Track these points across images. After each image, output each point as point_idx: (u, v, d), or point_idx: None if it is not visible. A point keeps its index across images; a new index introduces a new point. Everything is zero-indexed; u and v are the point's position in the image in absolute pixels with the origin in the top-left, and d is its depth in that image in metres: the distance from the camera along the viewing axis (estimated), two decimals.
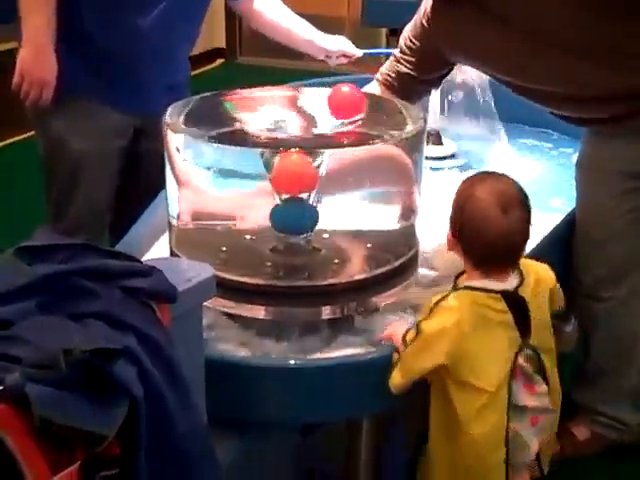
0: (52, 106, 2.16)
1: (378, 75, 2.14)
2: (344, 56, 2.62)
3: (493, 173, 1.69)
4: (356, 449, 1.83)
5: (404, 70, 2.08)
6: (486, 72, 2.12)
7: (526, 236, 1.61)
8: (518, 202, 1.58)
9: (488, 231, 1.57)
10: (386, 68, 2.14)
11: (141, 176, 2.37)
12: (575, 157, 2.13)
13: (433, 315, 1.57)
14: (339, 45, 2.61)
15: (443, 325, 1.55)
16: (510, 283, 1.61)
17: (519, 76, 1.95)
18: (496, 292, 1.58)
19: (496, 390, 1.58)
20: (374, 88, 2.13)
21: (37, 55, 2.12)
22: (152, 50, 2.23)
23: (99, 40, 2.18)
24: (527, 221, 1.59)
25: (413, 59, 2.07)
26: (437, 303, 1.58)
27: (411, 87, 2.09)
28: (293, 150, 1.62)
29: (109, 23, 2.18)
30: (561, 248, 2.09)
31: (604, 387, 2.19)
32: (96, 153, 2.24)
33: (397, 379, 1.59)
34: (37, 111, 2.20)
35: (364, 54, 2.63)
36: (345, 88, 1.82)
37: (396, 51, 2.13)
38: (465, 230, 1.60)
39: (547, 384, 1.64)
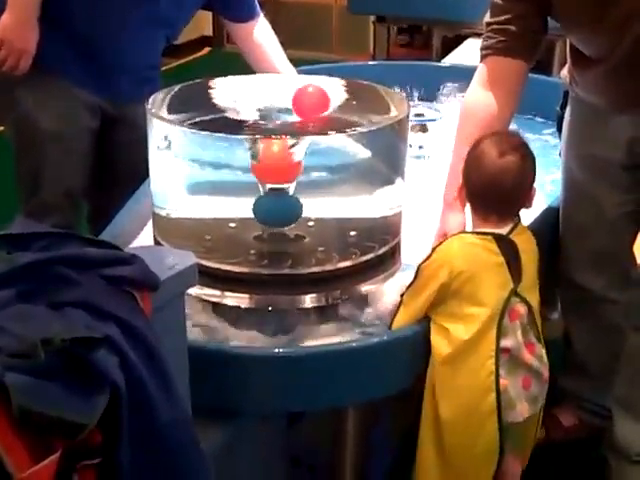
0: (22, 78, 2.14)
1: (483, 52, 1.88)
2: None
3: (508, 131, 1.81)
4: (342, 437, 1.83)
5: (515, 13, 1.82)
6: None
7: (519, 180, 1.68)
8: (515, 148, 1.69)
9: (482, 170, 1.68)
10: (491, 39, 1.85)
11: (118, 165, 2.37)
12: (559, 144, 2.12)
13: (431, 257, 1.66)
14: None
15: (438, 262, 1.64)
16: (504, 229, 1.68)
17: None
18: (486, 234, 1.66)
19: (485, 325, 1.61)
20: (479, 74, 1.88)
21: (21, 24, 2.10)
22: (127, 45, 2.23)
23: (81, 21, 2.18)
24: (522, 167, 1.68)
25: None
26: (435, 248, 1.68)
27: (530, 29, 1.84)
28: (275, 137, 1.61)
29: (95, 7, 2.17)
30: (545, 237, 2.09)
31: (590, 376, 2.19)
32: (63, 131, 2.22)
33: (399, 321, 1.67)
34: (5, 84, 2.18)
35: None
36: (310, 89, 1.78)
37: (490, 22, 1.86)
38: (466, 174, 1.72)
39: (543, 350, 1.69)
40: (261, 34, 2.47)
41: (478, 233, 1.68)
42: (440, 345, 1.63)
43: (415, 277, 1.67)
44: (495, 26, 1.84)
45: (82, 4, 2.17)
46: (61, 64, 2.20)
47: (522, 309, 1.66)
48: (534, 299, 1.71)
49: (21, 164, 2.30)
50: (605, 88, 1.88)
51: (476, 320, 1.61)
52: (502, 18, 1.83)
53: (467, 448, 1.67)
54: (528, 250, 1.71)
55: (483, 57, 1.88)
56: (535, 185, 1.73)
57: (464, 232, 1.72)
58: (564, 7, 1.80)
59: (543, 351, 1.70)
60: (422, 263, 1.67)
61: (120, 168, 2.36)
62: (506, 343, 1.63)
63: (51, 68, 2.19)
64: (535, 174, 1.72)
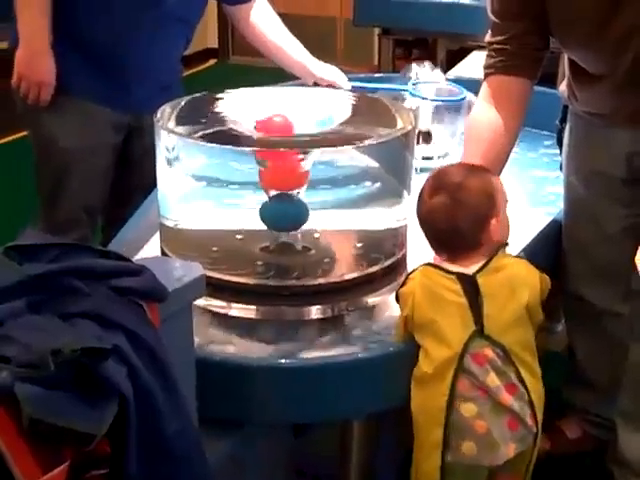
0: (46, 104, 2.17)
1: (485, 71, 1.90)
2: (331, 86, 2.51)
3: (466, 164, 1.76)
4: (347, 450, 1.83)
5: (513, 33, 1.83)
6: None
7: (449, 220, 1.64)
8: (446, 188, 1.65)
9: (419, 213, 1.70)
10: (492, 58, 1.87)
11: (135, 176, 2.38)
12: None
13: (405, 283, 1.66)
14: (330, 75, 2.52)
15: (405, 292, 1.64)
16: (470, 270, 1.64)
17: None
18: (452, 273, 1.62)
19: (444, 363, 1.59)
20: (483, 93, 1.89)
21: (34, 57, 2.14)
22: (146, 50, 2.24)
23: (94, 39, 2.20)
24: (452, 208, 1.64)
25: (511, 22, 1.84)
26: (409, 274, 1.67)
27: (531, 45, 1.85)
28: (282, 149, 1.62)
29: (105, 22, 2.19)
30: (549, 250, 2.10)
31: (594, 388, 2.19)
32: (87, 150, 2.25)
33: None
34: (29, 109, 2.21)
35: (352, 87, 2.53)
36: (277, 118, 1.74)
37: (491, 41, 1.88)
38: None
39: (528, 393, 1.63)
40: (260, 13, 2.49)
41: (443, 269, 1.64)
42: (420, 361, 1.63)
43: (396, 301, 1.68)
44: (496, 45, 1.86)
45: (90, 15, 2.19)
46: (79, 83, 2.23)
47: (490, 353, 1.60)
48: (513, 339, 1.62)
49: (43, 183, 2.33)
50: (605, 104, 1.89)
51: (436, 357, 1.59)
52: (502, 37, 1.85)
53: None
54: (507, 286, 1.64)
55: (486, 76, 1.89)
56: (509, 214, 1.69)
57: (431, 264, 1.67)
58: (562, 26, 1.81)
59: (525, 394, 1.62)
60: (400, 288, 1.67)
61: (136, 178, 2.37)
62: (479, 385, 1.59)
63: (71, 88, 2.21)
64: (488, 209, 1.65)
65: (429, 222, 1.68)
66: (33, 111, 2.22)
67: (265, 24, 2.50)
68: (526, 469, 1.71)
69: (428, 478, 1.65)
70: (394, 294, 1.69)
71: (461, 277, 1.62)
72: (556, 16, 1.80)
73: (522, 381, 1.62)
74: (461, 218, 1.64)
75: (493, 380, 1.60)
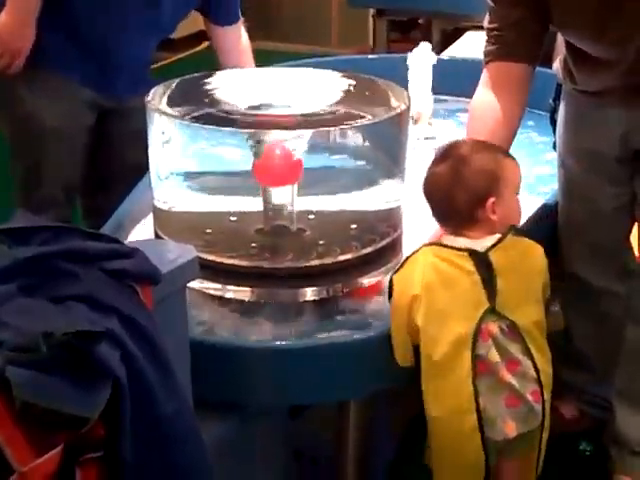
0: (23, 76, 2.14)
1: (485, 58, 1.88)
2: None
3: (482, 141, 1.73)
4: (344, 430, 1.83)
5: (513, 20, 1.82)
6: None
7: (446, 193, 1.63)
8: (451, 158, 1.65)
9: (424, 180, 1.68)
10: (491, 45, 1.86)
11: (115, 161, 2.37)
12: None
13: (402, 268, 1.61)
14: None
15: (407, 275, 1.59)
16: (480, 244, 1.61)
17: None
18: (462, 250, 1.60)
19: (455, 348, 1.57)
20: (484, 80, 1.87)
21: (18, 25, 2.10)
22: (130, 43, 2.24)
23: (83, 22, 2.19)
24: (451, 178, 1.63)
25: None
26: (408, 257, 1.62)
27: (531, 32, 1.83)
28: (277, 139, 1.61)
29: (97, 10, 2.17)
30: (545, 229, 2.09)
31: (590, 368, 2.19)
32: (65, 129, 2.22)
33: (393, 347, 1.60)
34: (5, 85, 2.18)
35: None
36: (278, 151, 1.65)
37: (489, 27, 1.87)
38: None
39: (536, 369, 1.61)
40: (236, 40, 2.50)
41: (454, 248, 1.61)
42: (428, 347, 1.58)
43: (390, 289, 1.62)
44: (494, 32, 1.85)
45: (85, 6, 2.17)
46: (61, 62, 2.20)
47: (494, 328, 1.58)
48: (524, 316, 1.62)
49: (19, 160, 2.30)
50: (605, 85, 1.88)
51: (448, 339, 1.56)
52: (500, 24, 1.84)
53: (452, 461, 1.65)
54: (524, 269, 1.64)
55: (486, 63, 1.88)
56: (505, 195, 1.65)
57: (439, 243, 1.64)
58: (564, 21, 1.80)
59: (529, 370, 1.60)
60: (394, 273, 1.62)
61: (117, 164, 2.36)
62: (482, 361, 1.58)
63: (51, 66, 2.19)
64: (488, 186, 1.63)
65: (428, 189, 1.67)
66: (10, 87, 2.20)
67: (236, 52, 2.50)
68: (537, 457, 1.68)
69: (473, 462, 1.62)
70: (388, 278, 1.64)
71: (473, 254, 1.60)
72: (557, 8, 1.78)
73: (531, 358, 1.61)
74: (456, 190, 1.63)
75: (494, 356, 1.59)
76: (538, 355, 1.62)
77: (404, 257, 1.66)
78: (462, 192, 1.62)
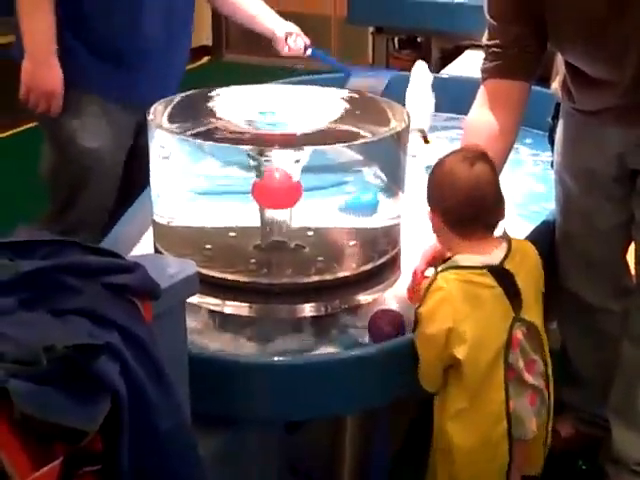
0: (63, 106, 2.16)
1: (483, 75, 1.88)
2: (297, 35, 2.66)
3: (467, 145, 1.75)
4: (340, 446, 1.84)
5: (512, 37, 1.82)
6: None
7: (496, 188, 1.63)
8: (483, 156, 1.63)
9: (459, 185, 1.60)
10: (489, 62, 1.86)
11: (141, 173, 2.37)
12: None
13: (427, 299, 1.58)
14: (295, 29, 2.66)
15: (439, 306, 1.57)
16: (495, 257, 1.62)
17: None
18: (481, 268, 1.60)
19: (491, 365, 1.58)
20: (481, 96, 1.88)
21: (40, 67, 2.13)
22: (151, 39, 2.25)
23: (98, 25, 2.19)
24: (495, 174, 1.64)
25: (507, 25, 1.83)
26: (427, 289, 1.59)
27: (529, 47, 1.83)
28: (277, 160, 1.62)
29: (112, 18, 2.19)
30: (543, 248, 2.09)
31: (586, 386, 2.20)
32: (108, 151, 2.24)
33: (421, 376, 1.62)
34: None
35: (312, 50, 2.72)
36: (277, 174, 1.67)
37: (488, 44, 1.87)
38: (439, 195, 1.63)
39: (545, 364, 1.66)
40: None
41: (469, 267, 1.59)
42: (467, 371, 1.58)
43: (416, 323, 1.60)
44: (492, 49, 1.86)
45: (95, 7, 2.18)
46: (88, 78, 2.22)
47: (520, 334, 1.61)
48: (535, 315, 1.66)
49: (59, 181, 2.31)
50: (604, 105, 1.89)
51: (487, 361, 1.58)
52: (498, 41, 1.84)
53: (480, 471, 1.65)
54: (526, 268, 1.65)
55: (483, 80, 1.89)
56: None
57: (455, 266, 1.60)
58: (559, 34, 1.81)
59: (542, 367, 1.65)
60: (419, 307, 1.59)
61: (142, 176, 2.37)
62: (512, 369, 1.60)
63: (81, 85, 2.20)
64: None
65: (480, 189, 1.60)
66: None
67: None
68: (544, 442, 1.72)
69: (499, 467, 1.63)
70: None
71: (492, 269, 1.59)
72: (553, 23, 1.79)
73: (541, 353, 1.65)
74: (499, 183, 1.64)
75: (520, 362, 1.61)
76: (547, 349, 1.67)
77: (424, 289, 1.61)
78: (500, 189, 1.63)
